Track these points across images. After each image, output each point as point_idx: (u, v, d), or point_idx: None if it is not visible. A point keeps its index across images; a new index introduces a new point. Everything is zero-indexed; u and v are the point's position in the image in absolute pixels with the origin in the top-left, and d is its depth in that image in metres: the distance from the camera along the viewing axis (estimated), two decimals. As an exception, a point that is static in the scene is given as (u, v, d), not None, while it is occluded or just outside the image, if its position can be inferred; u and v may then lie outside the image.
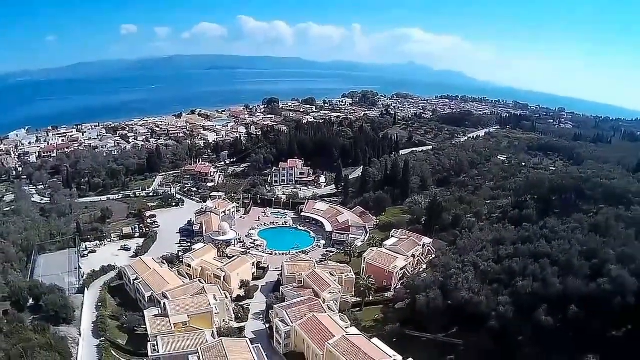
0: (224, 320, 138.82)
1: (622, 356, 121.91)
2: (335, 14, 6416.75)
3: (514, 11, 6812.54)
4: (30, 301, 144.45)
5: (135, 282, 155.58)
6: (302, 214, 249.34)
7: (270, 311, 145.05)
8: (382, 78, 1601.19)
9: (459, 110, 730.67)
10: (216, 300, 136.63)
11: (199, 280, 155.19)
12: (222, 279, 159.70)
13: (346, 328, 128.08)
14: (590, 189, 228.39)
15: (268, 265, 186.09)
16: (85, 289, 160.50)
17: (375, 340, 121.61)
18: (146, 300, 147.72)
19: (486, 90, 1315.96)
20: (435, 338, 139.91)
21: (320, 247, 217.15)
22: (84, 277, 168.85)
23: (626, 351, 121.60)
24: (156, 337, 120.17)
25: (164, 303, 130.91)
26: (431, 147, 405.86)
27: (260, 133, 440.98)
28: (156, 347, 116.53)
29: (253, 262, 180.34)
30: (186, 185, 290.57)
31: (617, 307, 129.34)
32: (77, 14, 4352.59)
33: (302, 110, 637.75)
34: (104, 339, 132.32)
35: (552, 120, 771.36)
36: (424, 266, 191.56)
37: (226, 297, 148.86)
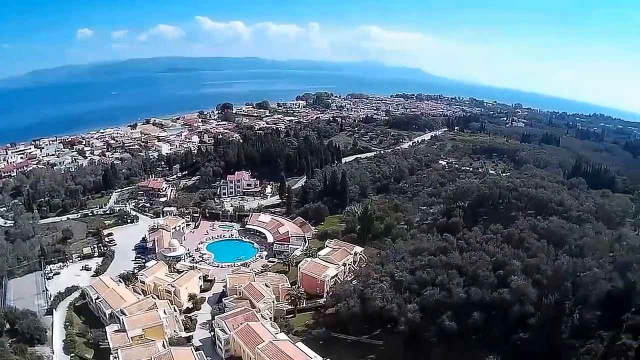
0: (174, 331, 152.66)
1: (519, 354, 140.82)
2: (293, 13, 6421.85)
3: (474, 5, 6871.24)
4: (7, 325, 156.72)
5: (97, 301, 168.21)
6: (247, 226, 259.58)
7: (213, 321, 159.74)
8: (339, 76, 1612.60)
9: (411, 110, 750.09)
10: (166, 314, 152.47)
11: (152, 295, 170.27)
12: (172, 293, 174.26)
13: (276, 334, 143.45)
14: (516, 198, 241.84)
15: (214, 278, 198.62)
16: (54, 310, 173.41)
17: (299, 344, 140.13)
18: (107, 317, 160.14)
19: (444, 86, 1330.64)
20: (358, 340, 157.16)
21: (262, 258, 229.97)
22: (52, 299, 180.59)
23: (525, 353, 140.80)
24: (117, 350, 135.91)
25: (122, 319, 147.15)
26: (374, 153, 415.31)
27: (212, 142, 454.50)
28: (117, 359, 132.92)
29: (200, 276, 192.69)
30: (140, 201, 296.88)
31: (516, 314, 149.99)
32: (32, 19, 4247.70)
33: (255, 114, 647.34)
34: (74, 354, 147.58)
35: (505, 118, 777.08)
36: (353, 275, 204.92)
37: (175, 310, 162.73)
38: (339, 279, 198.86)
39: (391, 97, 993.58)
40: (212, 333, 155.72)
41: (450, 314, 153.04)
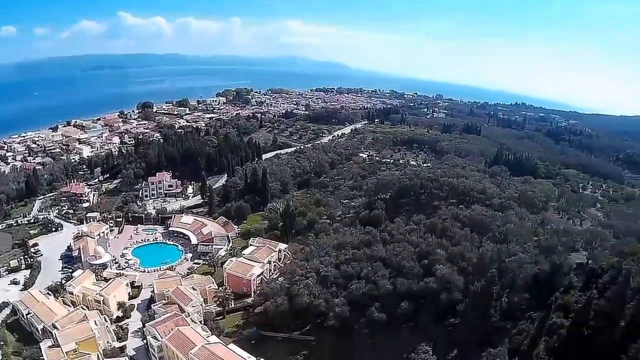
0: (107, 342, 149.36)
1: (451, 341, 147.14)
2: (215, 8, 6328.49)
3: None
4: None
5: (28, 316, 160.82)
6: (170, 228, 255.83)
7: (145, 328, 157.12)
8: (260, 71, 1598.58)
9: (331, 104, 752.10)
10: (97, 325, 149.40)
11: (81, 306, 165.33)
12: (101, 302, 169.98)
13: (207, 337, 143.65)
14: (437, 189, 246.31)
15: (142, 284, 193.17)
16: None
17: (231, 345, 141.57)
18: (40, 332, 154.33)
19: (364, 79, 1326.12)
20: (290, 337, 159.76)
21: (187, 260, 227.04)
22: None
23: (456, 338, 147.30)
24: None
25: (55, 334, 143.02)
26: (295, 148, 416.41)
27: (132, 143, 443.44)
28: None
29: (127, 283, 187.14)
30: (63, 208, 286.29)
31: (445, 302, 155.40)
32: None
33: (175, 113, 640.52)
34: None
35: (426, 110, 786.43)
36: (278, 272, 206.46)
37: (106, 321, 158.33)
38: (265, 277, 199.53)
39: (311, 91, 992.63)
40: (145, 341, 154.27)
41: (378, 306, 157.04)
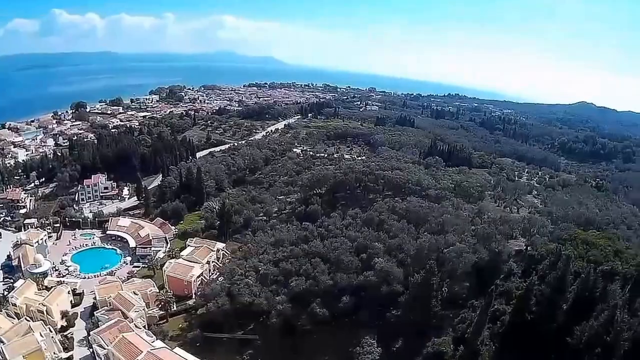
0: (54, 354, 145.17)
1: (394, 333, 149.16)
2: (148, 3, 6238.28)
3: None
4: None
5: None
6: (108, 232, 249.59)
7: (89, 337, 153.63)
8: (194, 68, 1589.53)
9: (264, 99, 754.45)
10: (43, 337, 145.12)
11: (25, 318, 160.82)
12: (45, 312, 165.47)
13: (152, 342, 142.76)
14: (372, 182, 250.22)
15: (83, 291, 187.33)
16: None
17: (177, 349, 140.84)
18: None
19: (297, 74, 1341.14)
20: (233, 337, 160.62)
21: (127, 264, 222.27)
22: None
23: (399, 329, 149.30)
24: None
25: (1, 348, 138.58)
26: (228, 146, 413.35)
27: (67, 144, 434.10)
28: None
29: (69, 291, 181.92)
30: (1, 215, 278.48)
31: (386, 294, 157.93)
32: None
33: (109, 112, 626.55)
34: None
35: (359, 103, 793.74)
36: (218, 272, 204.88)
37: (51, 331, 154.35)
38: (205, 277, 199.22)
39: (244, 87, 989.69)
40: (91, 350, 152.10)
41: (319, 302, 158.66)
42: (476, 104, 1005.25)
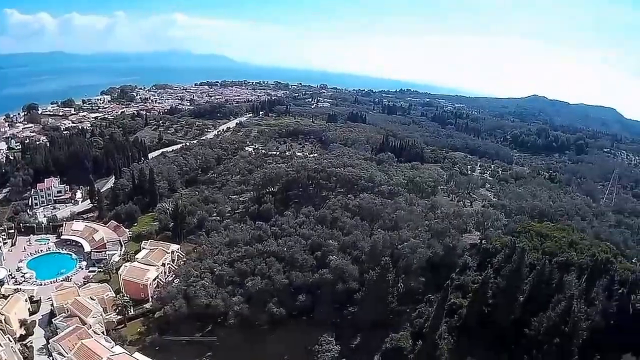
0: None
1: (353, 330, 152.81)
2: (100, 2, 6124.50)
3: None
4: None
5: None
6: (62, 236, 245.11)
7: (49, 345, 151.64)
8: (145, 67, 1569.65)
9: (216, 98, 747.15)
10: (2, 346, 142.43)
11: None
12: (3, 322, 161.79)
13: (112, 348, 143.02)
14: (325, 179, 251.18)
15: (40, 298, 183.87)
16: None
17: (136, 354, 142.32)
18: None
19: (248, 71, 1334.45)
20: (192, 339, 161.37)
21: (82, 269, 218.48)
22: None
23: (357, 325, 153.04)
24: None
25: None
26: (180, 145, 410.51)
27: (19, 148, 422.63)
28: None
29: (26, 298, 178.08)
30: None
31: (342, 291, 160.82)
32: None
33: (61, 114, 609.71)
34: None
35: (310, 100, 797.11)
36: (173, 274, 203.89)
37: (10, 340, 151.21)
38: (161, 280, 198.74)
39: (195, 85, 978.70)
40: (51, 358, 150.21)
41: (276, 301, 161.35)
42: (428, 99, 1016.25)
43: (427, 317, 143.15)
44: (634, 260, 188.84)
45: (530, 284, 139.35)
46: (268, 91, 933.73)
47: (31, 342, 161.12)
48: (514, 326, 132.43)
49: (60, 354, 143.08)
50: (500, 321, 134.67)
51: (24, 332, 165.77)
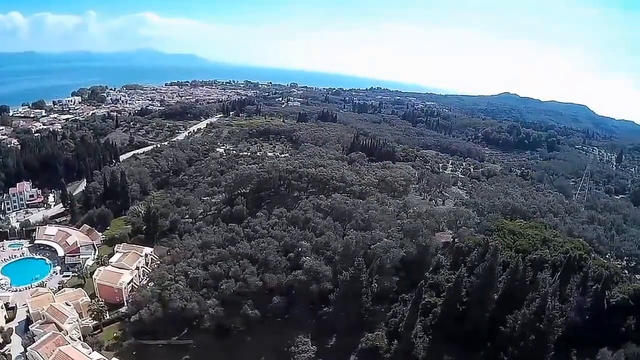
0: None
1: (328, 330, 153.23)
2: (71, 1, 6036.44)
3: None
4: None
5: None
6: (36, 241, 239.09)
7: (27, 353, 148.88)
8: (116, 67, 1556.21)
9: (186, 98, 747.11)
10: None
11: None
12: None
13: (89, 354, 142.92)
14: (296, 180, 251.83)
15: (16, 304, 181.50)
16: None
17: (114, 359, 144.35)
18: None
19: (219, 71, 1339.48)
20: (169, 342, 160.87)
21: (57, 274, 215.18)
22: None
23: (332, 326, 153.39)
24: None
25: None
26: (152, 147, 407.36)
27: None
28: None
29: (2, 305, 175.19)
30: None
31: (316, 292, 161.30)
32: None
33: (32, 116, 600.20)
34: None
35: (281, 99, 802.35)
36: (148, 277, 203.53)
37: None
38: (135, 284, 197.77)
39: (166, 85, 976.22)
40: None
41: (251, 303, 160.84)
42: (398, 97, 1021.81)
43: (402, 316, 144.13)
44: (607, 256, 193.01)
45: (504, 282, 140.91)
46: (238, 91, 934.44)
47: (9, 350, 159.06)
48: (489, 324, 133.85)
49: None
50: (475, 319, 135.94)
51: (1, 340, 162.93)
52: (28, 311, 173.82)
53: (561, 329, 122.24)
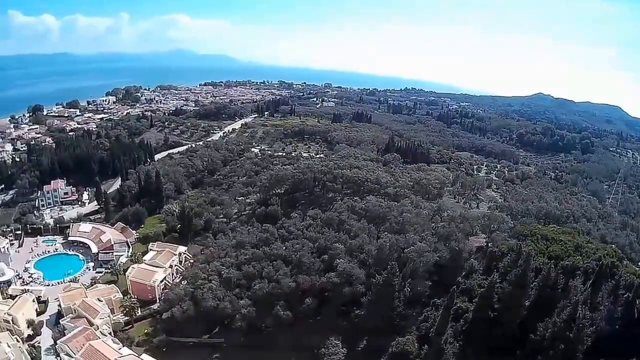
0: None
1: (359, 333, 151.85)
2: (103, 4, 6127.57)
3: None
4: None
5: None
6: (70, 238, 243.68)
7: (56, 345, 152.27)
8: (149, 68, 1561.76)
9: (220, 98, 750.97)
10: (10, 347, 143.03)
11: None
12: (11, 322, 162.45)
13: (119, 350, 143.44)
14: (331, 181, 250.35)
15: (48, 298, 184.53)
16: None
17: (144, 356, 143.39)
18: None
19: (252, 71, 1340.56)
20: (200, 341, 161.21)
21: (90, 270, 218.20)
22: None
23: (363, 328, 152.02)
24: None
25: None
26: (186, 147, 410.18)
27: (25, 149, 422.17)
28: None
29: (34, 299, 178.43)
30: None
31: (348, 295, 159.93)
32: None
33: (66, 115, 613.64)
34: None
35: (315, 99, 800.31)
36: (181, 276, 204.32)
37: (18, 341, 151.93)
38: (168, 282, 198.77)
39: (200, 86, 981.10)
40: (59, 358, 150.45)
41: (283, 304, 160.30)
42: (433, 98, 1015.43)
43: (433, 321, 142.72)
44: (639, 264, 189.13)
45: (535, 289, 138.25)
46: (272, 91, 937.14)
47: (39, 343, 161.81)
48: (520, 331, 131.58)
49: (68, 354, 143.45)
50: (505, 326, 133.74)
51: (31, 333, 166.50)
52: (59, 305, 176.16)
53: (590, 338, 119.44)
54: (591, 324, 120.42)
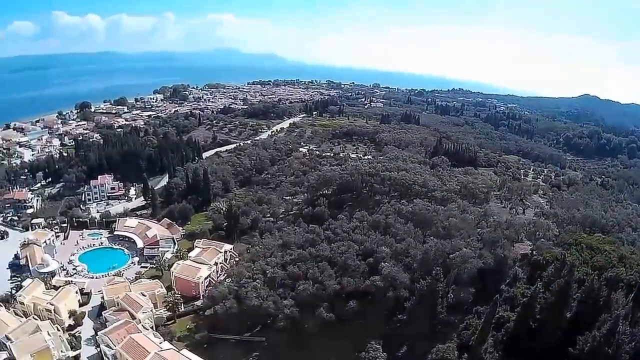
0: (61, 352, 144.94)
1: (400, 338, 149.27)
2: (148, 4, 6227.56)
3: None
4: None
5: None
6: (115, 232, 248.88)
7: (97, 336, 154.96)
8: (195, 66, 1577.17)
9: (269, 97, 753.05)
10: (50, 335, 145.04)
11: (33, 316, 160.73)
12: (53, 311, 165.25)
13: (160, 344, 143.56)
14: (378, 183, 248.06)
15: (91, 290, 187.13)
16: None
17: (184, 351, 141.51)
18: None
19: (299, 70, 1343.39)
20: (241, 338, 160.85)
21: (134, 264, 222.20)
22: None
23: (405, 334, 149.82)
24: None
25: (9, 346, 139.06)
26: (235, 145, 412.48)
27: (72, 145, 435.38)
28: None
29: (77, 290, 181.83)
30: (8, 215, 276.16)
31: (392, 299, 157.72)
32: None
33: (114, 112, 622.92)
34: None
35: (363, 99, 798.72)
36: (226, 273, 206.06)
37: (58, 330, 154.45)
38: (212, 279, 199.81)
39: (248, 84, 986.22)
40: (98, 349, 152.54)
41: (326, 306, 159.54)
42: (480, 99, 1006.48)
43: (475, 329, 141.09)
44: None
45: (578, 300, 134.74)
46: (320, 91, 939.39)
47: (79, 333, 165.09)
48: (560, 343, 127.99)
49: (108, 346, 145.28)
50: (546, 337, 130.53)
51: (72, 323, 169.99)
52: (103, 298, 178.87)
53: (629, 355, 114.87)
54: (631, 339, 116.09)
